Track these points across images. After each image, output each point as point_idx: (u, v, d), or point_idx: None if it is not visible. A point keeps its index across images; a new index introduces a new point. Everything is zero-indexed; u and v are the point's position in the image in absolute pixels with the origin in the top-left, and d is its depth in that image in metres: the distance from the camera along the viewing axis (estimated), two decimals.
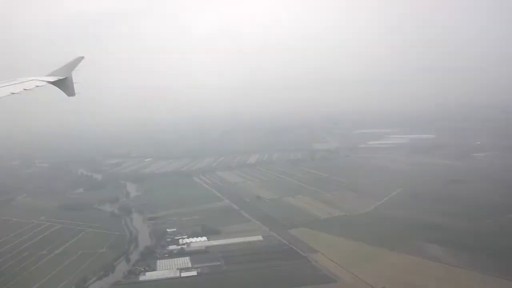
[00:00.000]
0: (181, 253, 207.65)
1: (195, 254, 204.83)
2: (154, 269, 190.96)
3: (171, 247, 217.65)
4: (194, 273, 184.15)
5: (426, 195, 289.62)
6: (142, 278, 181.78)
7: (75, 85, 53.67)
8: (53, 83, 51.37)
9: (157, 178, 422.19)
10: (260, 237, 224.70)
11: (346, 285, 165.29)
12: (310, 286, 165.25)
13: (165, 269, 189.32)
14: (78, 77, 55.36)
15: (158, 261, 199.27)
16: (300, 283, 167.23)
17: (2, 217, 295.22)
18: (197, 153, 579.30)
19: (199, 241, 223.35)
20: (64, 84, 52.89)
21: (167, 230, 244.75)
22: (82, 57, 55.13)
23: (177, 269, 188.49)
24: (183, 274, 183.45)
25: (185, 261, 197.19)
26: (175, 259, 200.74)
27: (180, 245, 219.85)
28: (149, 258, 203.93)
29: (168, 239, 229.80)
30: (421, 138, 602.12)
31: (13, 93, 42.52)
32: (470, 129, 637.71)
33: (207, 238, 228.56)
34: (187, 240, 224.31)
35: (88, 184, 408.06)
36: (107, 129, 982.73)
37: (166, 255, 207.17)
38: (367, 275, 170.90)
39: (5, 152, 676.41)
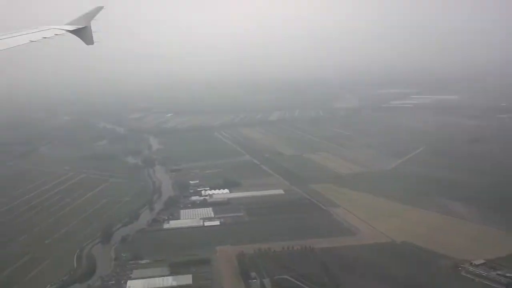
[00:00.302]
0: (204, 204, 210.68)
1: (218, 205, 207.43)
2: (177, 218, 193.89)
3: (194, 198, 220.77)
4: (217, 222, 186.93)
5: (448, 153, 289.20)
6: (166, 226, 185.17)
7: (93, 34, 53.90)
8: (72, 32, 51.53)
9: (178, 133, 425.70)
10: (281, 191, 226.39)
11: (366, 238, 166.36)
12: (331, 238, 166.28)
13: (188, 218, 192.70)
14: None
15: (181, 210, 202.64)
16: (321, 235, 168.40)
17: (26, 167, 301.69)
18: (218, 109, 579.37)
19: (221, 193, 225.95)
20: (83, 33, 53.08)
21: (190, 182, 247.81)
22: (102, 7, 54.77)
23: (200, 218, 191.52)
24: (206, 224, 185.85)
25: (208, 211, 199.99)
26: (198, 209, 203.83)
27: (202, 196, 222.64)
28: (172, 208, 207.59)
29: (191, 190, 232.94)
30: (445, 99, 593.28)
31: (32, 41, 42.40)
32: (495, 90, 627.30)
33: (229, 191, 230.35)
34: (210, 192, 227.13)
35: (111, 137, 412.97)
36: (128, 84, 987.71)
37: (189, 206, 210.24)
38: (387, 229, 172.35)
39: (29, 104, 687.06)
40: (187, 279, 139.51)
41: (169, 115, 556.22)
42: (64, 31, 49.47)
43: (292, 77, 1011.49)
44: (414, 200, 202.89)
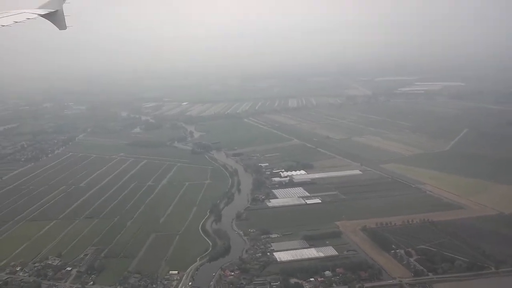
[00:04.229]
0: (292, 184, 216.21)
1: (306, 185, 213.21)
2: (273, 197, 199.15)
3: (276, 179, 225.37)
4: (317, 200, 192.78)
5: (493, 135, 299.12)
6: (270, 204, 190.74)
7: (66, 18, 51.96)
8: (44, 16, 49.59)
9: (207, 120, 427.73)
10: (358, 171, 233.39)
11: (475, 211, 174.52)
12: (440, 212, 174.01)
13: (286, 197, 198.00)
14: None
15: (274, 190, 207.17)
16: (429, 209, 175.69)
17: (79, 154, 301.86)
18: (229, 98, 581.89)
19: (300, 174, 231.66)
20: (55, 17, 50.95)
21: (260, 164, 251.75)
22: None
23: (299, 197, 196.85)
24: (308, 201, 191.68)
25: (300, 190, 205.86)
26: (290, 189, 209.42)
27: (282, 177, 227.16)
28: (262, 188, 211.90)
29: (267, 172, 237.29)
30: (452, 85, 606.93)
31: (3, 26, 41.15)
32: (495, 77, 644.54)
33: (306, 172, 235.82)
34: (288, 173, 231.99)
35: (142, 125, 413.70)
36: (122, 74, 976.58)
37: (277, 186, 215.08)
38: (488, 203, 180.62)
39: (31, 94, 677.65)
40: (330, 250, 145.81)
41: (185, 103, 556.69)
42: (36, 15, 47.74)
43: (282, 68, 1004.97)
44: (493, 176, 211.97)
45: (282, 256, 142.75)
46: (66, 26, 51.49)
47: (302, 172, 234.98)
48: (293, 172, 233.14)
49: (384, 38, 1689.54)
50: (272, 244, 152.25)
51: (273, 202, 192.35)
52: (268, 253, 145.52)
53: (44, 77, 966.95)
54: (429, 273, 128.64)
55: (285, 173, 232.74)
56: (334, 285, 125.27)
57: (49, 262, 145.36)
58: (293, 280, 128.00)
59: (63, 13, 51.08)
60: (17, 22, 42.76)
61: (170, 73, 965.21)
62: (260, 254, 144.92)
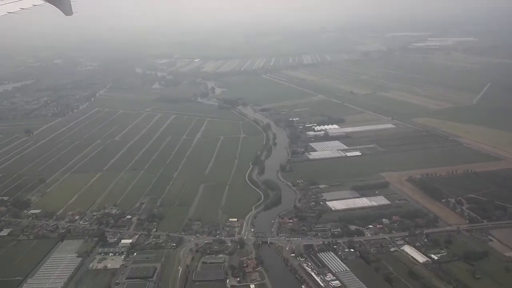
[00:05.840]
0: (327, 138, 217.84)
1: (342, 138, 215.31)
2: (312, 150, 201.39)
3: (310, 133, 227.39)
4: (357, 153, 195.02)
5: None
6: (311, 157, 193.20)
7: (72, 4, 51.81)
8: (51, 1, 49.49)
9: (225, 76, 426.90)
10: (391, 125, 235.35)
11: None
12: (481, 163, 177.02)
13: (325, 150, 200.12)
14: None
15: (311, 144, 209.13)
16: (469, 161, 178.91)
17: (105, 109, 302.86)
18: (239, 54, 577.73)
19: (333, 128, 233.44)
20: (61, 2, 50.98)
21: (290, 119, 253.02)
22: None
23: (338, 150, 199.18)
24: (348, 154, 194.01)
25: (338, 144, 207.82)
26: (327, 142, 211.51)
27: (317, 131, 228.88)
28: (298, 142, 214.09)
29: (300, 126, 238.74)
30: (464, 40, 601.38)
31: (10, 12, 41.58)
32: (503, 31, 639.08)
33: (339, 126, 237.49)
34: (321, 127, 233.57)
35: (160, 81, 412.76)
36: (123, 33, 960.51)
37: (313, 139, 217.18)
38: None
39: (37, 51, 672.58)
40: (382, 199, 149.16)
41: (197, 60, 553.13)
42: (42, 1, 47.70)
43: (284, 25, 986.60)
44: None
45: (335, 205, 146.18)
46: (72, 12, 51.07)
47: (335, 126, 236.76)
48: (327, 126, 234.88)
49: None
50: (322, 194, 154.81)
51: (313, 155, 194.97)
52: (321, 202, 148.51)
53: (47, 33, 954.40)
54: (483, 220, 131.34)
55: (318, 127, 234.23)
56: (393, 231, 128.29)
57: (107, 211, 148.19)
58: (352, 227, 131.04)
59: None
60: (23, 8, 42.95)
61: (172, 30, 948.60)
62: (313, 203, 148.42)
